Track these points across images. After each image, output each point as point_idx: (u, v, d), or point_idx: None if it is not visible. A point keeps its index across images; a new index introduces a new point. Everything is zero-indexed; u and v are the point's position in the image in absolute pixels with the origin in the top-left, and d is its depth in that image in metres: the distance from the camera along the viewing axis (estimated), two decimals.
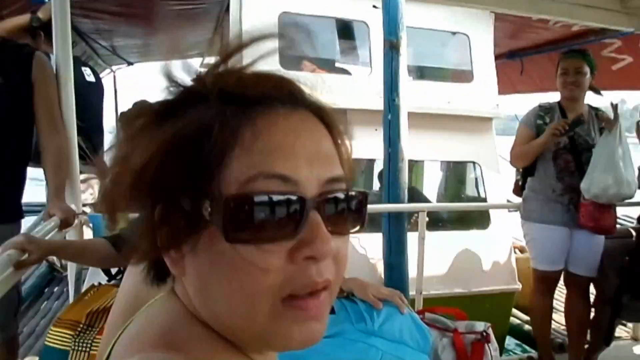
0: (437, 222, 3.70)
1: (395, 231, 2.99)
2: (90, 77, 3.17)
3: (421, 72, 3.97)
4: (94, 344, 1.46)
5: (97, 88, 3.26)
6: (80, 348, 1.47)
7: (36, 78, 2.04)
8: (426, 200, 4.29)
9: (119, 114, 4.25)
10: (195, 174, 0.45)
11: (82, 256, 1.76)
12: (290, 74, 0.54)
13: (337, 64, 3.99)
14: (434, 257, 3.25)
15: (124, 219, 1.37)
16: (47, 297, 3.99)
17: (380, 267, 3.13)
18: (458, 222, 3.92)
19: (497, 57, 4.29)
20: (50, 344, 1.54)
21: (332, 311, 1.47)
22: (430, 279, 3.17)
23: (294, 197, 0.45)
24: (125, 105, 7.24)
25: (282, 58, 3.21)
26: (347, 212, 0.50)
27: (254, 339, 0.48)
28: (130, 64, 6.73)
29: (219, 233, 0.43)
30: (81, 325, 1.53)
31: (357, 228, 0.51)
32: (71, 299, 2.24)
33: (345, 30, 3.73)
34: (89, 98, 3.16)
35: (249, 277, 0.44)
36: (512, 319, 3.88)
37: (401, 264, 2.98)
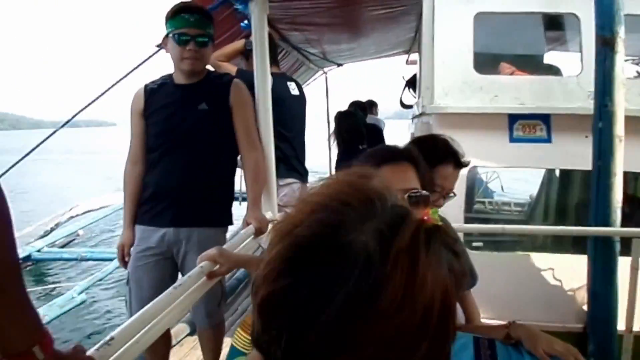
0: None
1: (602, 257, 2.60)
2: (294, 91, 3.46)
3: None
4: None
5: (301, 100, 3.54)
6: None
7: (234, 103, 2.30)
8: None
9: (336, 112, 4.56)
10: None
11: None
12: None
13: (545, 62, 3.61)
14: None
15: None
16: None
17: (584, 295, 2.77)
18: None
19: None
20: (234, 344, 1.75)
21: (495, 358, 1.37)
22: None
23: None
24: (336, 102, 7.74)
25: (476, 62, 3.05)
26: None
27: None
28: (339, 65, 7.17)
29: None
30: None
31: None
32: None
33: (550, 25, 3.33)
34: (294, 110, 3.47)
35: None
36: None
37: (608, 294, 2.59)
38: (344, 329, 0.46)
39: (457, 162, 1.75)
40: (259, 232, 2.26)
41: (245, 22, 3.23)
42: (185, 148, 2.25)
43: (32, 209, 11.85)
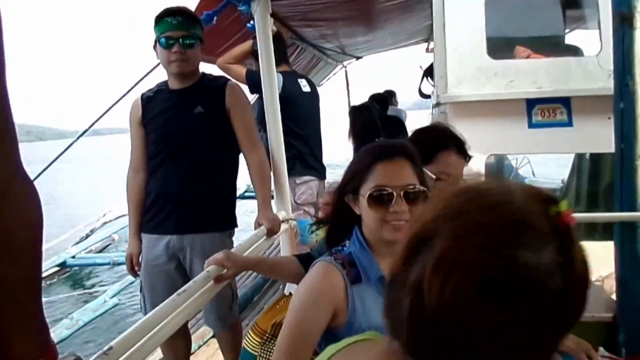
0: None
1: (629, 243, 2.50)
2: (306, 88, 3.45)
3: None
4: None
5: (313, 97, 3.53)
6: (264, 355, 1.65)
7: (230, 105, 2.30)
8: None
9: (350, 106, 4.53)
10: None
11: (272, 273, 1.95)
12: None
13: (565, 43, 3.48)
14: None
15: (324, 230, 1.53)
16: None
17: (613, 283, 2.66)
18: None
19: None
20: (245, 346, 1.76)
21: None
22: None
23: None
24: (358, 94, 7.69)
25: (489, 47, 2.95)
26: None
27: None
28: (358, 58, 7.13)
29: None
30: (267, 335, 1.70)
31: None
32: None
33: (568, 4, 3.20)
34: (307, 107, 3.46)
35: None
36: None
37: (638, 282, 2.49)
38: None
39: (460, 148, 1.71)
40: (271, 232, 2.26)
41: (252, 22, 3.23)
42: (184, 153, 2.27)
43: (67, 213, 12.22)
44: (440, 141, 1.74)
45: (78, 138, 3.11)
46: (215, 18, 2.63)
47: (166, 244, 2.29)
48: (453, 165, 1.70)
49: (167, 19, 2.19)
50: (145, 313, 2.35)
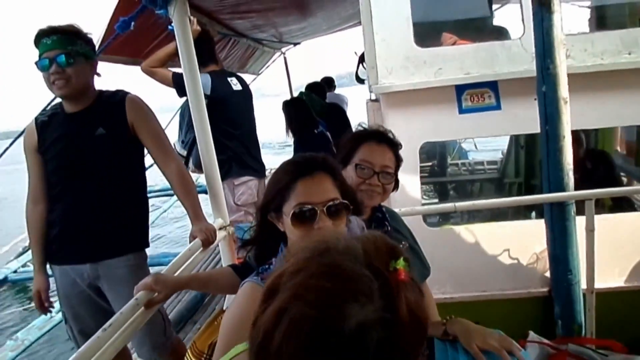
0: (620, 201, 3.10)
1: (559, 221, 2.60)
2: (236, 86, 3.37)
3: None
4: None
5: (245, 94, 3.45)
6: None
7: (132, 119, 2.16)
8: (613, 168, 3.62)
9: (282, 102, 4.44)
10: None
11: (207, 288, 1.91)
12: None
13: (494, 24, 3.54)
14: (614, 241, 2.75)
15: None
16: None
17: (546, 259, 2.78)
18: None
19: None
20: None
21: (432, 356, 1.35)
22: (606, 269, 2.69)
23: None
24: (297, 81, 7.63)
25: (416, 35, 2.96)
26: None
27: None
28: (296, 44, 7.04)
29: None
30: (205, 356, 1.67)
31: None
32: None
33: None
34: (239, 106, 3.38)
35: None
36: None
37: (568, 257, 2.60)
38: None
39: (380, 138, 1.72)
40: (207, 243, 2.19)
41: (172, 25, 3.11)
42: (87, 179, 2.14)
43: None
44: (357, 138, 1.76)
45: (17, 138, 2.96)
46: (132, 24, 2.50)
47: (80, 275, 2.17)
48: (375, 153, 1.70)
49: (43, 40, 2.02)
50: (77, 344, 2.25)
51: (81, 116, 2.15)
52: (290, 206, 1.28)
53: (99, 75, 2.25)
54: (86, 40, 2.13)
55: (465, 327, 1.35)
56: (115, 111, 2.16)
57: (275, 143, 17.27)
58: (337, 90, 6.83)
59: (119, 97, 2.21)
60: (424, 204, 3.10)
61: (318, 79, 6.33)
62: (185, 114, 3.38)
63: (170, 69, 3.20)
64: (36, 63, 2.06)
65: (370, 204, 1.71)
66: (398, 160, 1.75)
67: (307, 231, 1.27)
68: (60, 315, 4.82)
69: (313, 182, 1.30)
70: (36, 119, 2.22)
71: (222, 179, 2.70)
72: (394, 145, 1.74)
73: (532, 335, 2.20)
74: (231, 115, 3.25)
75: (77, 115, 2.15)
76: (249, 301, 1.29)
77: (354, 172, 1.66)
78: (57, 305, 4.93)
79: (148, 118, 2.22)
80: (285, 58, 7.40)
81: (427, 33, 3.08)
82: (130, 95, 2.22)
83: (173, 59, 3.15)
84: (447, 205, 2.68)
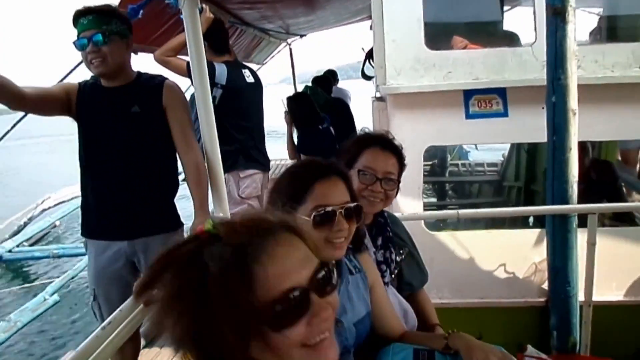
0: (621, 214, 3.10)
1: (560, 233, 2.59)
2: (249, 79, 3.33)
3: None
4: None
5: (257, 88, 3.42)
6: None
7: (167, 104, 2.22)
8: (616, 179, 3.62)
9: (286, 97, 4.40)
10: None
11: None
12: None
13: (503, 29, 3.51)
14: (613, 255, 2.76)
15: None
16: None
17: (544, 269, 2.78)
18: None
19: None
20: None
21: None
22: (606, 281, 2.70)
23: (297, 293, 0.72)
24: (302, 73, 7.57)
25: (427, 37, 2.93)
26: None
27: None
28: (302, 36, 6.99)
29: None
30: None
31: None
32: None
33: None
34: (251, 98, 3.35)
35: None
36: None
37: (568, 269, 2.59)
38: None
39: (385, 145, 1.70)
40: None
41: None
42: (123, 155, 2.18)
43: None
44: (361, 142, 1.73)
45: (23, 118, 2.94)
46: (141, 12, 2.47)
47: (117, 251, 2.22)
48: (378, 159, 1.69)
49: (80, 20, 2.08)
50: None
51: (118, 92, 2.20)
52: (307, 208, 1.27)
53: (136, 53, 2.28)
54: (121, 19, 2.17)
55: (467, 342, 1.35)
56: (152, 93, 2.22)
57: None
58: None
59: (157, 81, 2.27)
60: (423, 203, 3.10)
61: (320, 70, 6.28)
62: (193, 104, 3.35)
63: (181, 57, 3.15)
64: (74, 43, 2.11)
65: (371, 210, 1.68)
66: (401, 166, 1.72)
67: (327, 234, 1.26)
68: (53, 298, 4.86)
69: (330, 184, 1.30)
70: (79, 83, 2.26)
71: (227, 171, 2.69)
72: (397, 152, 1.70)
73: (530, 349, 2.20)
74: (243, 108, 3.22)
75: (114, 91, 2.20)
76: None
77: (356, 177, 1.63)
78: (50, 288, 4.96)
79: (181, 106, 2.27)
80: (290, 49, 7.36)
81: (438, 35, 3.05)
82: (168, 81, 2.29)
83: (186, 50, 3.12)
84: (450, 213, 2.67)
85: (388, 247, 1.73)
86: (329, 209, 1.25)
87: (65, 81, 2.78)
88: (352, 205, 1.29)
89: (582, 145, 2.72)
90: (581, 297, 2.61)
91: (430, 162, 6.71)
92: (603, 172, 3.55)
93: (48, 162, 18.80)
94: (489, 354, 1.31)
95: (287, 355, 0.73)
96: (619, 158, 4.54)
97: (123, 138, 2.18)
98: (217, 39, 3.22)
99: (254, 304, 0.70)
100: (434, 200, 6.57)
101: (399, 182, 1.72)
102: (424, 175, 2.88)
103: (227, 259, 0.71)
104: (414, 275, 1.84)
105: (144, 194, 2.22)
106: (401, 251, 1.79)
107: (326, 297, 0.76)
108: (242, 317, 0.70)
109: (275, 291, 0.71)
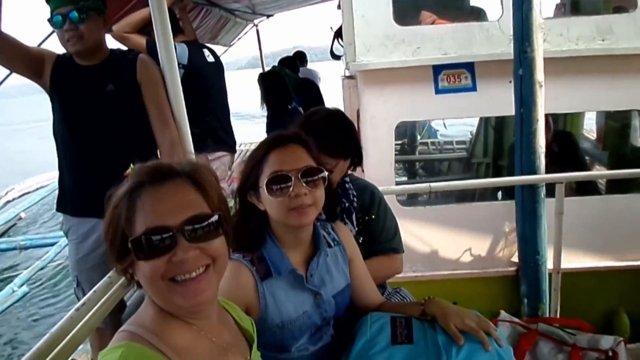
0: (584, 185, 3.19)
1: (529, 203, 2.66)
2: (210, 58, 3.26)
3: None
4: None
5: (218, 67, 3.35)
6: None
7: (142, 80, 2.14)
8: (577, 151, 3.71)
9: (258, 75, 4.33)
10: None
11: None
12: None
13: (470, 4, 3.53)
14: (582, 223, 2.84)
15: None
16: None
17: (514, 239, 2.85)
18: (614, 184, 3.33)
19: None
20: None
21: (410, 340, 1.36)
22: (572, 249, 2.78)
23: (163, 232, 0.85)
24: (269, 55, 7.48)
25: (396, 12, 2.93)
26: (206, 229, 0.89)
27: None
28: (269, 16, 6.88)
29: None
30: None
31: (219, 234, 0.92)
32: None
33: None
34: (213, 78, 3.28)
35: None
36: None
37: (537, 238, 2.67)
38: None
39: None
40: None
41: None
42: (99, 134, 2.12)
43: None
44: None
45: None
46: None
47: (99, 236, 2.12)
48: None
49: None
50: None
51: (92, 71, 2.12)
52: (265, 177, 1.26)
53: (110, 31, 2.19)
54: None
55: (443, 308, 1.37)
56: (126, 69, 2.13)
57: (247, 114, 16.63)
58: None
59: (131, 56, 2.19)
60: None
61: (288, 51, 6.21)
62: None
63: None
64: (49, 20, 2.02)
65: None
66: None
67: (284, 200, 1.24)
68: (22, 289, 4.74)
69: (286, 151, 1.28)
70: (58, 55, 2.16)
71: (196, 153, 2.62)
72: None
73: (503, 314, 2.26)
74: (206, 88, 3.15)
75: (89, 70, 2.12)
76: (232, 280, 1.28)
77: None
78: (19, 280, 4.83)
79: (155, 81, 2.15)
80: (257, 30, 7.24)
81: (406, 11, 3.06)
82: (142, 56, 2.20)
83: (148, 25, 3.02)
84: (423, 186, 2.68)
85: (343, 218, 1.71)
86: (283, 173, 1.23)
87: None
88: (308, 167, 1.25)
89: (545, 119, 2.77)
90: (550, 265, 2.69)
91: (400, 142, 6.74)
92: (564, 143, 3.63)
93: (32, 149, 18.07)
94: (464, 318, 1.32)
95: (152, 283, 0.87)
96: (584, 132, 4.67)
97: (99, 117, 2.12)
98: (172, 19, 3.14)
99: (131, 231, 0.86)
100: (404, 179, 6.62)
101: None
102: (395, 154, 2.90)
103: (124, 191, 0.90)
104: (373, 239, 1.80)
105: (121, 172, 2.17)
106: (360, 220, 1.77)
107: (197, 242, 0.87)
108: (120, 240, 0.87)
109: (145, 225, 0.85)
